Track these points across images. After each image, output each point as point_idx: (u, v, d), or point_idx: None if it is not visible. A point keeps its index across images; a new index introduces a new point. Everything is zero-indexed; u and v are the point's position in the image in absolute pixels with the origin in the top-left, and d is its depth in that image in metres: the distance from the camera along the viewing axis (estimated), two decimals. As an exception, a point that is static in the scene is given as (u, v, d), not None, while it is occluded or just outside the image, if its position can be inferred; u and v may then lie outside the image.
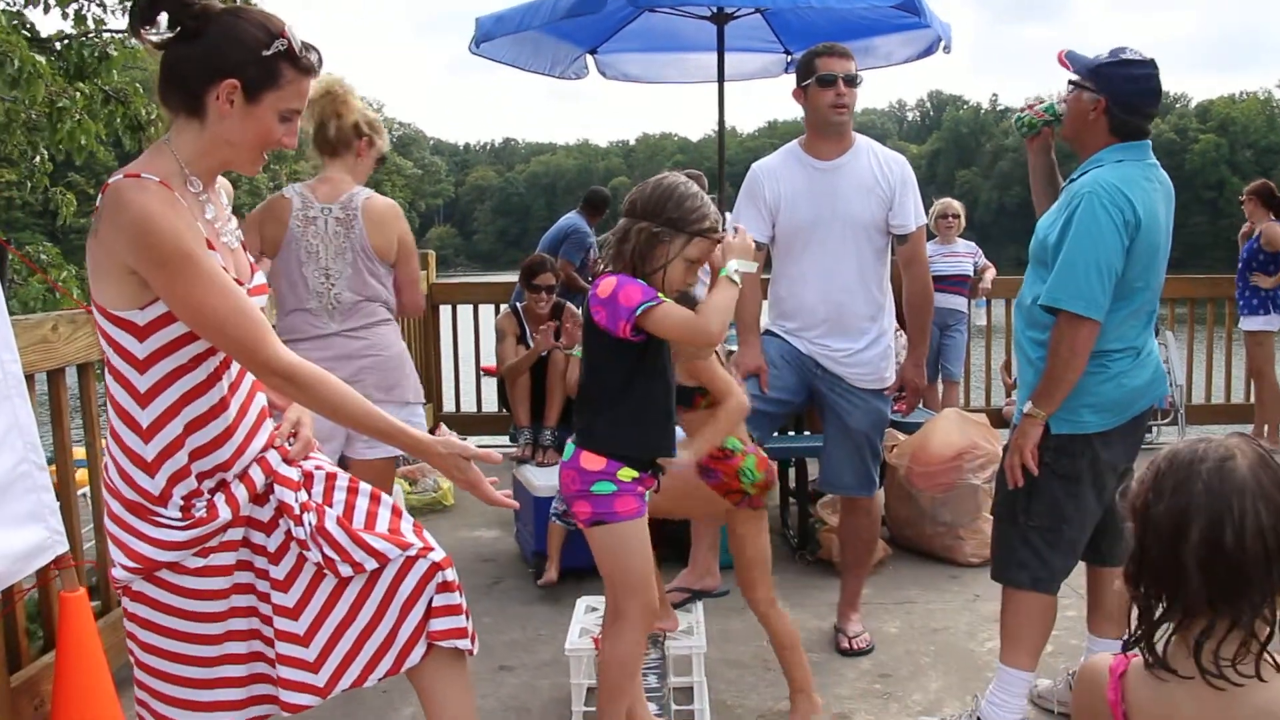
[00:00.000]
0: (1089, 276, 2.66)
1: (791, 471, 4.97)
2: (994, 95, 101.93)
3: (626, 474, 2.43)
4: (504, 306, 5.89)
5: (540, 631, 3.87)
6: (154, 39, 1.85)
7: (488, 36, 5.01)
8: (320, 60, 1.95)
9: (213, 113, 1.87)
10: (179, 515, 1.93)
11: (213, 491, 1.96)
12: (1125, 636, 1.43)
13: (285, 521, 2.02)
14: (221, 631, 2.02)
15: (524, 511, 4.65)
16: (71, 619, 2.89)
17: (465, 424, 7.12)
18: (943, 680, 3.39)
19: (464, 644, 2.11)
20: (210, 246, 1.89)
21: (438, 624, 2.09)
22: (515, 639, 3.83)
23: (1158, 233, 2.75)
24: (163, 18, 1.85)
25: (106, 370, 1.95)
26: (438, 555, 2.11)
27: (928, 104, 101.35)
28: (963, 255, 7.13)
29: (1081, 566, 3.03)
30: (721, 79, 5.41)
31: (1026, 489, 2.86)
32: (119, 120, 6.19)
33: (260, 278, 2.10)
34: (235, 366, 1.98)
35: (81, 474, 3.60)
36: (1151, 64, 2.75)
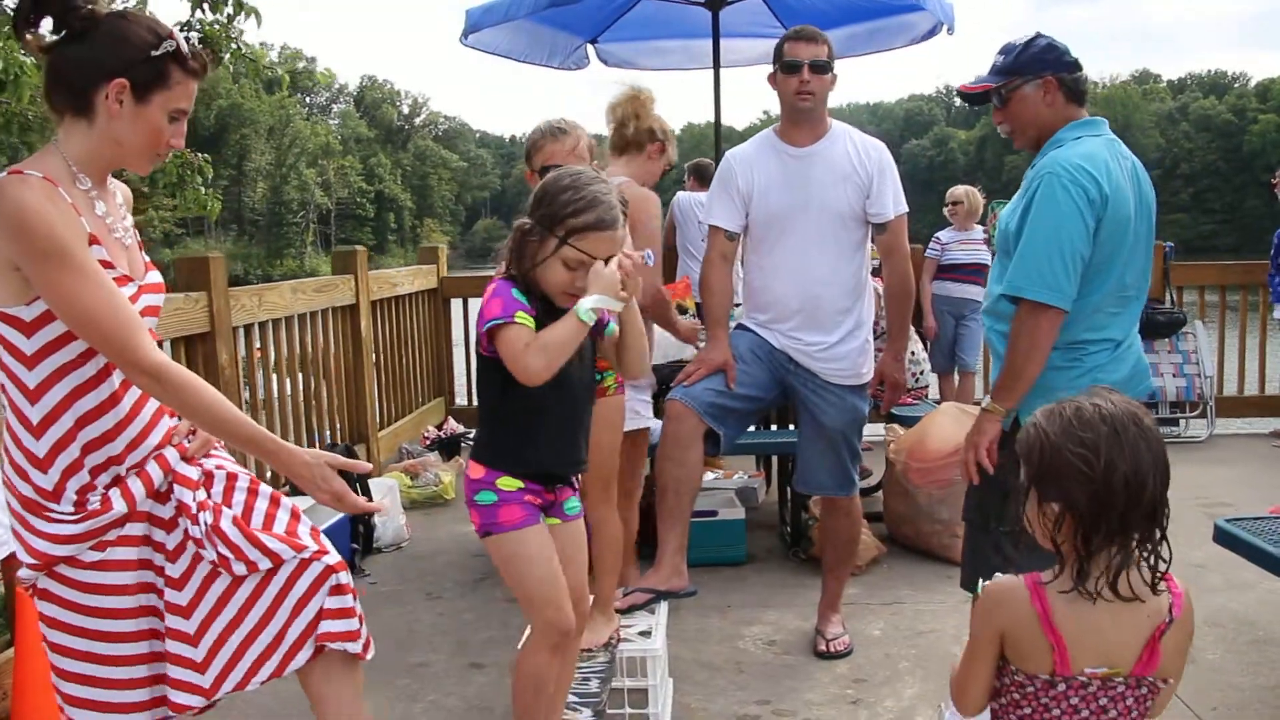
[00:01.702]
0: (1051, 261, 2.53)
1: (790, 466, 4.88)
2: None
3: (507, 483, 2.30)
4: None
5: (518, 630, 3.80)
6: (37, 41, 1.87)
7: (477, 28, 4.95)
8: (206, 65, 1.97)
9: (102, 113, 1.88)
10: (71, 510, 1.91)
11: (107, 486, 1.95)
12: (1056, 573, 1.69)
13: (184, 520, 1.99)
14: (130, 629, 1.99)
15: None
16: (27, 614, 2.90)
17: (475, 419, 7.08)
18: (919, 686, 3.29)
19: (353, 646, 2.06)
20: (96, 241, 1.87)
21: (328, 626, 2.04)
22: (492, 636, 3.78)
23: (1126, 208, 2.61)
24: (47, 20, 1.86)
25: (5, 373, 1.92)
26: (332, 559, 2.06)
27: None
28: (979, 243, 6.95)
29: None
30: (717, 65, 5.32)
31: (999, 494, 2.74)
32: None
33: (155, 276, 2.07)
34: None
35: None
36: (1040, 36, 2.76)
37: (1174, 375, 6.84)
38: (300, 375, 5.15)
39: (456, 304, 7.34)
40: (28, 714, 2.89)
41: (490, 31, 5.11)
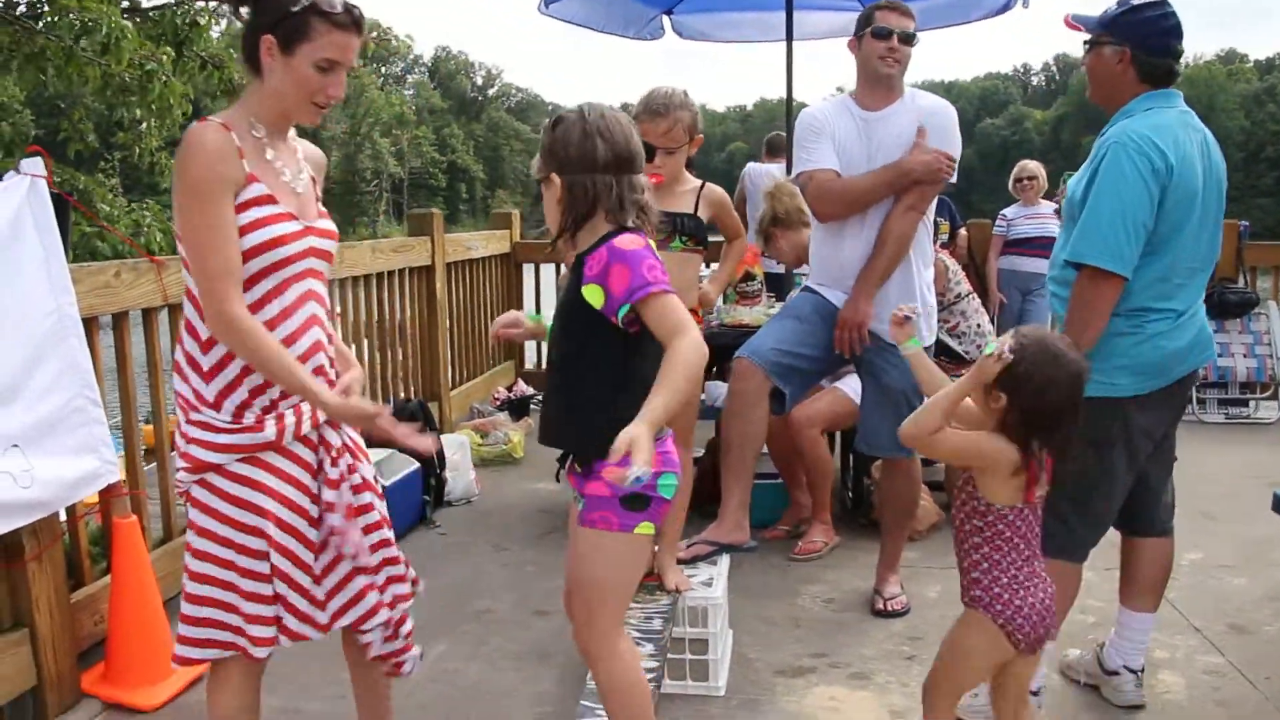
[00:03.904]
0: (1114, 229, 2.56)
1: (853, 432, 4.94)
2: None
3: None
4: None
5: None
6: (244, 14, 2.13)
7: (556, -4, 5.05)
8: (357, 16, 2.11)
9: (264, 67, 2.09)
10: (229, 419, 2.10)
11: (264, 409, 2.12)
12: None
13: (328, 463, 2.24)
14: (264, 549, 2.13)
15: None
16: (123, 542, 3.10)
17: (544, 381, 7.24)
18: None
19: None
20: (254, 179, 2.07)
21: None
22: (555, 587, 3.86)
23: (1194, 180, 2.63)
24: None
25: (185, 292, 2.15)
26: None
27: (1053, 68, 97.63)
28: (1046, 216, 6.91)
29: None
30: (790, 37, 5.35)
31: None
32: (216, 83, 6.50)
33: (327, 224, 2.25)
34: (290, 294, 2.12)
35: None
36: (1164, 3, 2.68)
37: (1245, 356, 6.74)
38: (376, 333, 5.33)
39: (528, 269, 7.50)
40: (124, 638, 3.09)
41: (568, 1, 5.20)
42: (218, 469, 2.10)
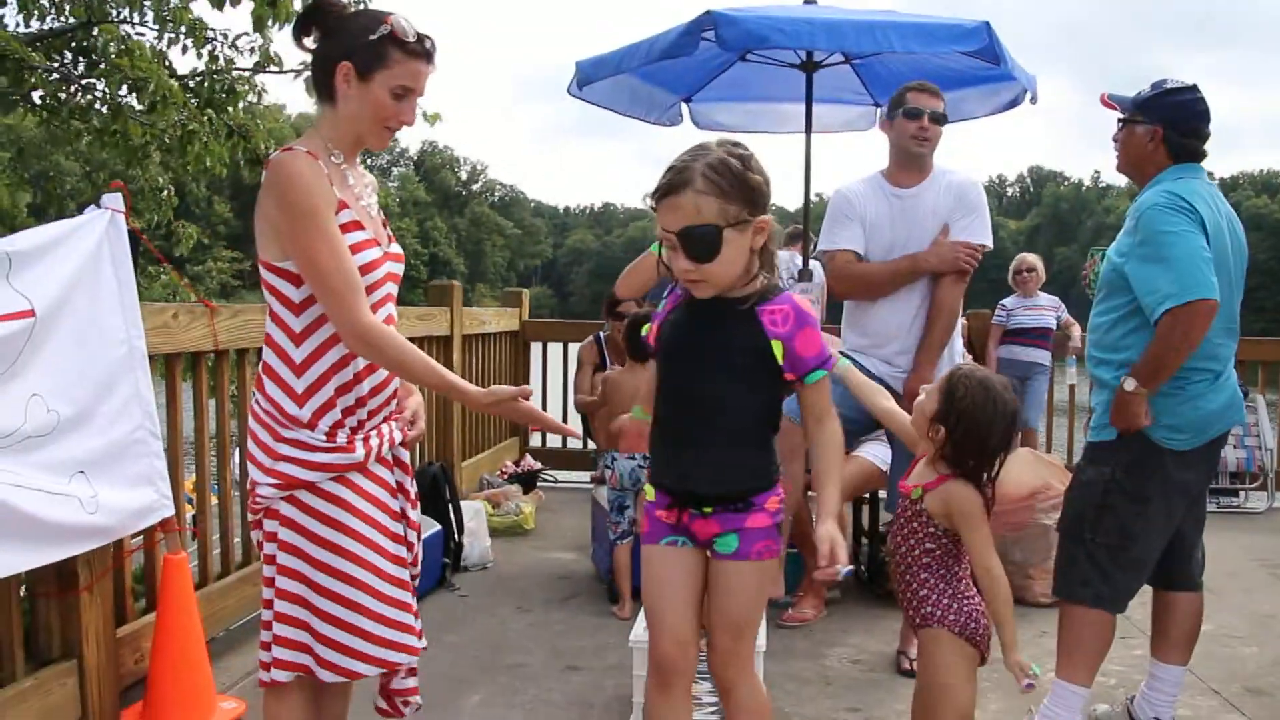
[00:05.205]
0: (1185, 266, 2.67)
1: (865, 508, 5.03)
2: (1096, 172, 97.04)
3: (649, 491, 2.31)
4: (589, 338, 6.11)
5: (609, 640, 3.97)
6: (309, 44, 2.21)
7: (587, 80, 5.24)
8: (429, 46, 2.19)
9: (339, 94, 2.18)
10: (323, 439, 2.17)
11: (353, 429, 2.21)
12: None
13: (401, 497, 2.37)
14: (343, 569, 2.18)
15: (600, 532, 4.80)
16: (173, 578, 3.12)
17: (551, 458, 7.34)
18: (1004, 702, 3.41)
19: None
20: (345, 206, 2.16)
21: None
22: (584, 645, 3.94)
23: (1223, 241, 2.80)
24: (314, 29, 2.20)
25: (267, 316, 2.22)
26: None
27: (1028, 179, 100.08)
28: (1045, 308, 7.13)
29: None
30: (809, 128, 5.55)
31: (1096, 505, 2.90)
32: (241, 153, 6.66)
33: (398, 248, 2.36)
34: (378, 317, 2.18)
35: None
36: (1195, 89, 2.89)
37: (1234, 446, 6.88)
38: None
39: (535, 347, 7.62)
40: (166, 676, 3.09)
41: (597, 85, 5.40)
42: (310, 486, 2.17)
